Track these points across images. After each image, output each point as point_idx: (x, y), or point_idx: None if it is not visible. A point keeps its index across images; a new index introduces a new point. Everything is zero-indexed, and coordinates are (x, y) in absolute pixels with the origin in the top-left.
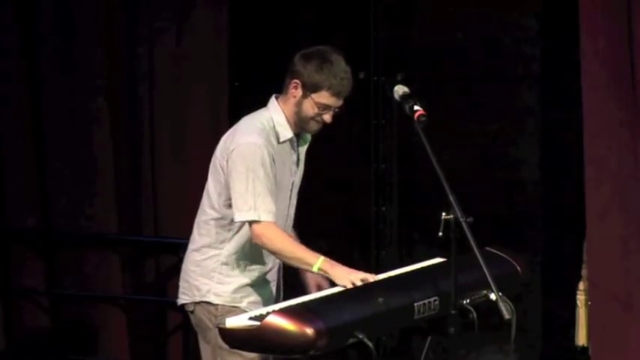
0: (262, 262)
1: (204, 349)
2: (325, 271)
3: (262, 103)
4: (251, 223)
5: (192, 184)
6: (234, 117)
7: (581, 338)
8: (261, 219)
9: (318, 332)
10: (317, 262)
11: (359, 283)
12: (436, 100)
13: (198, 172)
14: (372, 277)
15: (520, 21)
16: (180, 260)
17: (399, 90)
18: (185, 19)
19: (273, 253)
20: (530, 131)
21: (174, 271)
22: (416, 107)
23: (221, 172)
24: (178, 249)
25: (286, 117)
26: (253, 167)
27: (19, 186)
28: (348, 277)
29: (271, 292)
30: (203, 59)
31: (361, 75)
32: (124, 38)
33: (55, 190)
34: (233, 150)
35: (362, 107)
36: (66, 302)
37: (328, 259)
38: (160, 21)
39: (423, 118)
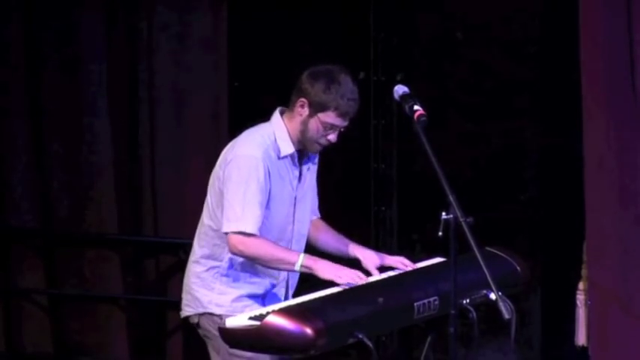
0: (265, 276)
1: (215, 359)
2: (309, 267)
3: (262, 104)
4: (234, 233)
5: (192, 185)
6: (234, 118)
7: (581, 338)
8: (247, 230)
9: (317, 332)
10: (299, 260)
11: (345, 276)
12: (435, 101)
13: (198, 173)
14: (362, 276)
15: (521, 20)
16: (180, 260)
17: (399, 90)
18: (185, 20)
19: (253, 259)
20: (530, 131)
21: (174, 271)
22: (415, 107)
23: (218, 182)
24: (178, 249)
25: (289, 133)
26: (247, 180)
27: (19, 185)
28: (334, 271)
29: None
30: (203, 60)
31: (361, 75)
32: (124, 39)
33: (55, 189)
34: (230, 161)
35: (361, 108)
36: (66, 302)
37: (309, 255)
38: (160, 22)
39: (423, 119)
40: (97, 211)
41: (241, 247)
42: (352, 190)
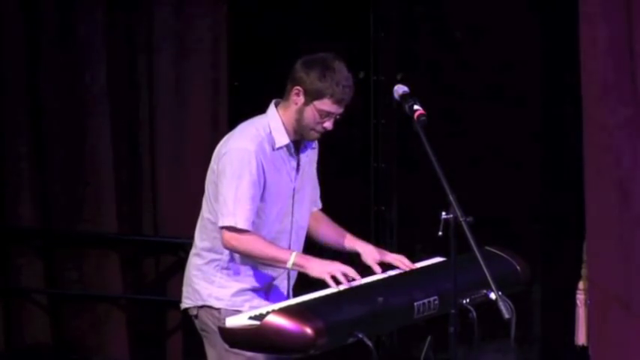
0: (266, 268)
1: (210, 354)
2: (300, 266)
3: (261, 103)
4: (228, 228)
5: (192, 184)
6: (233, 117)
7: (581, 338)
8: (238, 225)
9: (317, 331)
10: (291, 258)
11: (338, 275)
12: (435, 100)
13: (198, 172)
14: (351, 271)
15: (520, 20)
16: (180, 259)
17: (399, 90)
18: (185, 19)
19: (245, 255)
20: (530, 130)
21: (173, 270)
22: (415, 107)
23: (213, 176)
24: (178, 248)
25: (284, 123)
26: (239, 173)
27: (18, 185)
28: (325, 269)
29: (278, 298)
30: (203, 59)
31: (361, 75)
32: (124, 39)
33: (54, 189)
34: (224, 154)
35: (362, 107)
36: (66, 302)
37: (301, 254)
38: (160, 21)
39: (423, 118)
40: (96, 211)
41: (234, 243)
42: (352, 190)
